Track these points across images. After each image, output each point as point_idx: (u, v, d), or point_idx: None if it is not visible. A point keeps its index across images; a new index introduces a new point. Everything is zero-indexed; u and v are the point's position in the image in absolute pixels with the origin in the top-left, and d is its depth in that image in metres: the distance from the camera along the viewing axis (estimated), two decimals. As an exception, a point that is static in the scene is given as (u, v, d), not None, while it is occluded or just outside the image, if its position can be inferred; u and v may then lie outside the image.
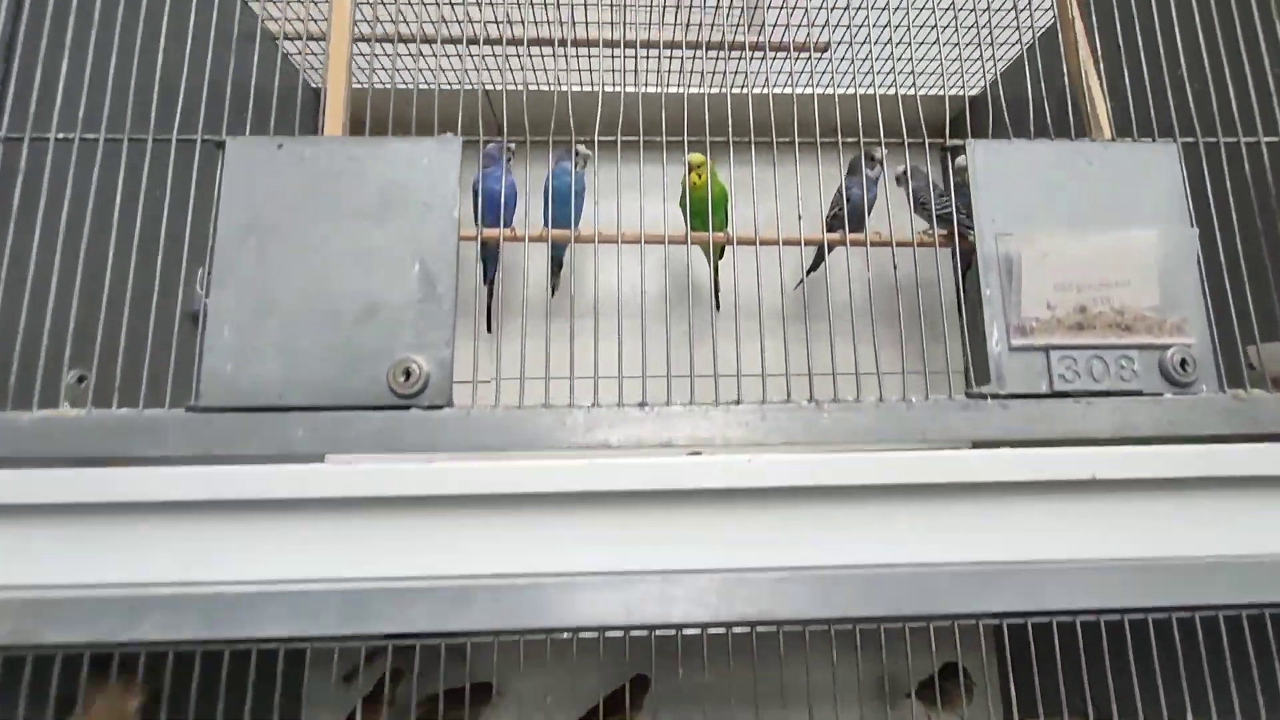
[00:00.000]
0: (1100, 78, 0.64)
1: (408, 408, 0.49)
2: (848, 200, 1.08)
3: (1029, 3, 0.81)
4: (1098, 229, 0.57)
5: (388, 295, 0.50)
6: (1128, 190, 0.59)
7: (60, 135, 0.51)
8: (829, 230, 1.15)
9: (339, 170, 0.50)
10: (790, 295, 1.22)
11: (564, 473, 0.48)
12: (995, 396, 0.53)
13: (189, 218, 0.51)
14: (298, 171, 0.50)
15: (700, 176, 1.06)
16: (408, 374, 0.48)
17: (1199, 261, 0.57)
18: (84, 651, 0.44)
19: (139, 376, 0.50)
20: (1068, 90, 0.66)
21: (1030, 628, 0.51)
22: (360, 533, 0.47)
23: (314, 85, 1.08)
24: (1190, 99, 0.63)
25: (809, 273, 1.25)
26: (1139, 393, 0.54)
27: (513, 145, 0.95)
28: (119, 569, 0.46)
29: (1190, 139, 0.62)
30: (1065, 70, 0.64)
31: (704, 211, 1.06)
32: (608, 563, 0.49)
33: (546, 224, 1.04)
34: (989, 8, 0.70)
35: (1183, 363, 0.54)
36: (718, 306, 1.26)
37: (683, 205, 1.12)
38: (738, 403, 0.52)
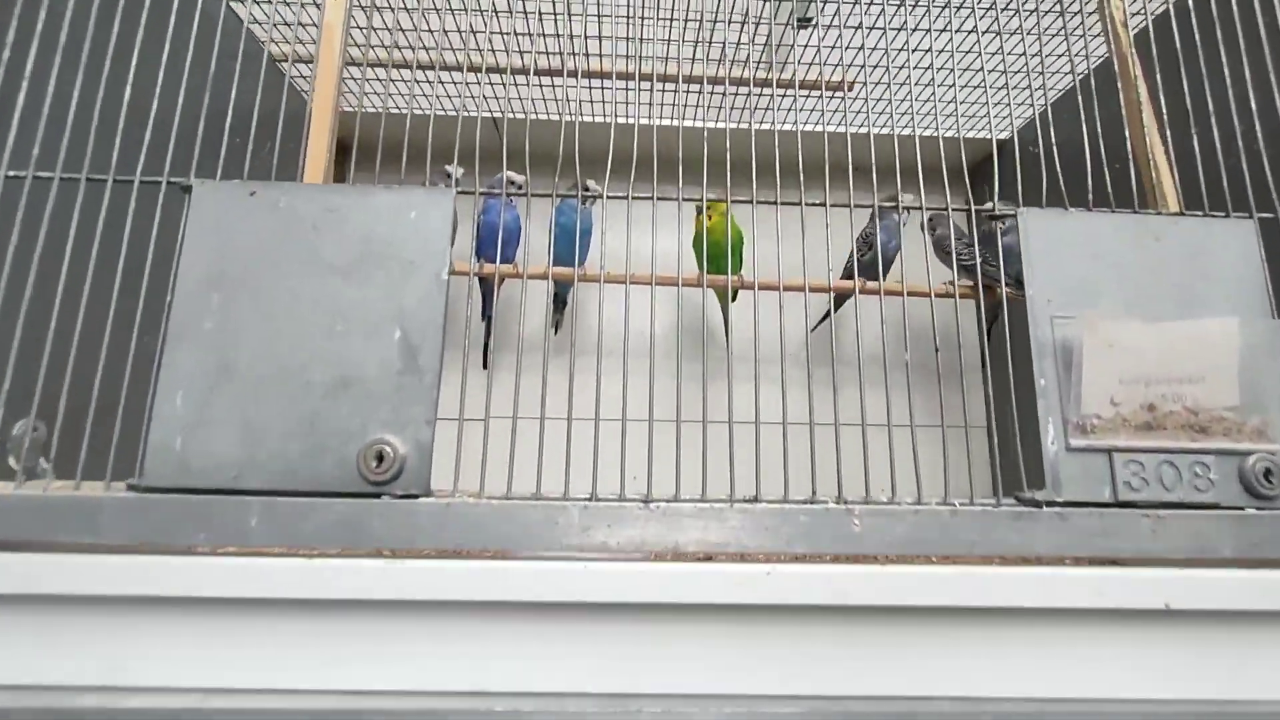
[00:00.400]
0: (1166, 143, 0.59)
1: (378, 495, 0.43)
2: (873, 248, 1.04)
3: (1084, 44, 0.76)
4: (1166, 315, 0.51)
5: (363, 365, 0.44)
6: (1199, 271, 0.53)
7: (10, 174, 0.47)
8: (849, 276, 1.10)
9: (317, 221, 0.46)
10: (810, 341, 1.17)
11: (554, 579, 0.42)
12: (1051, 504, 0.47)
13: (148, 264, 0.46)
14: (271, 221, 0.46)
15: (712, 217, 1.02)
16: (380, 458, 0.43)
17: (1284, 355, 0.51)
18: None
19: (80, 436, 0.45)
20: (1130, 154, 0.61)
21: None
22: (315, 639, 0.42)
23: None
24: (1267, 168, 0.58)
25: (825, 317, 1.20)
26: (1216, 506, 0.48)
27: (519, 179, 0.91)
28: (40, 669, 0.40)
29: (1269, 214, 0.56)
30: (1127, 138, 0.59)
31: (717, 255, 1.02)
32: (601, 683, 0.43)
33: (549, 261, 1.00)
34: (1040, 48, 0.65)
35: (1267, 473, 0.48)
36: (730, 349, 1.21)
37: (696, 247, 1.07)
38: (755, 500, 0.47)
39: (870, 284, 0.91)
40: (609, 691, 0.43)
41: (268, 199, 0.46)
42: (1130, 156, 0.59)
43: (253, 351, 0.44)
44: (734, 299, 1.21)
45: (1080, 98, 0.59)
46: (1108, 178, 0.56)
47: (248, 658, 0.41)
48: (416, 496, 0.44)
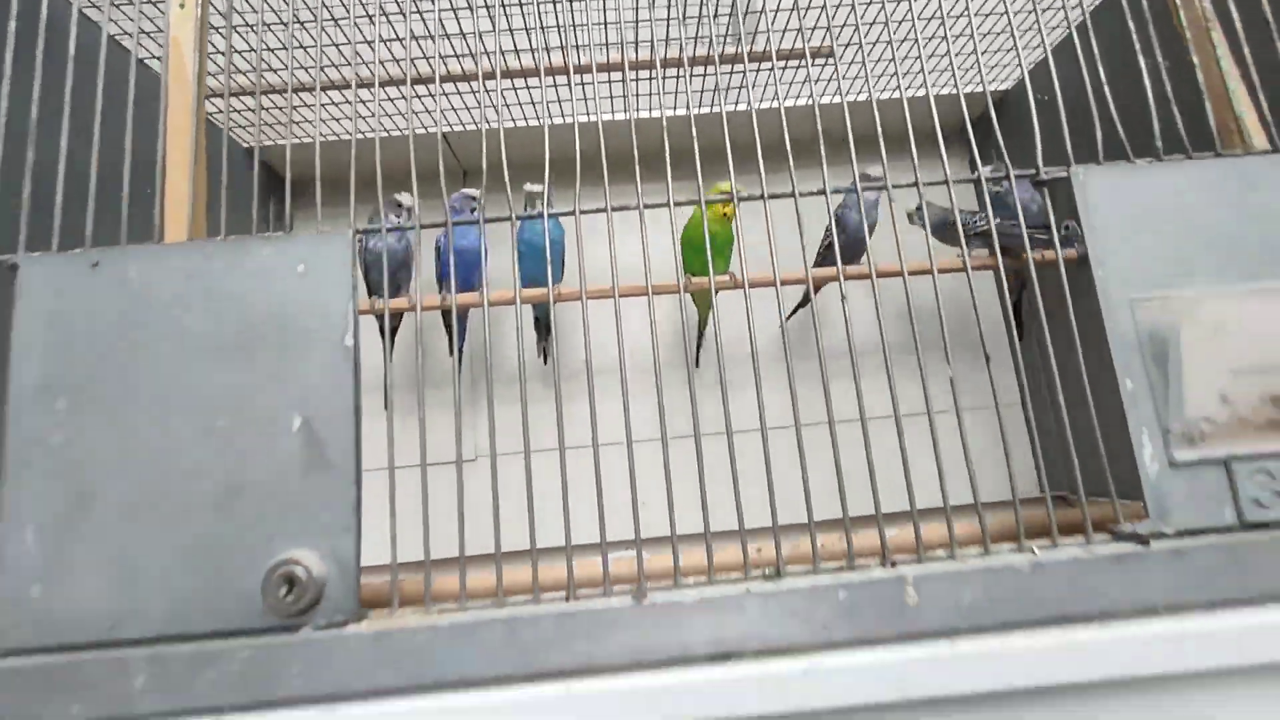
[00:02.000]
0: (1246, 67, 0.52)
1: (295, 628, 0.37)
2: (842, 228, 0.95)
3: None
4: None
5: (257, 466, 0.38)
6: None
7: None
8: (820, 264, 1.01)
9: (180, 293, 0.40)
10: (795, 341, 1.09)
11: (526, 711, 0.36)
12: (1159, 537, 0.41)
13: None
14: (122, 299, 0.40)
15: (729, 207, 0.94)
16: (290, 582, 0.37)
17: None
18: None
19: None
20: (1201, 86, 0.54)
21: None
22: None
23: (245, 145, 0.99)
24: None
25: (792, 314, 1.10)
26: (1374, 516, 0.41)
27: (476, 193, 0.85)
28: None
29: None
30: (1199, 72, 0.52)
31: (725, 247, 0.94)
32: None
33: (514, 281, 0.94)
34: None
35: None
36: (697, 364, 1.12)
37: (689, 242, 1.00)
38: (776, 575, 0.40)
39: (857, 268, 0.83)
40: None
41: (115, 271, 0.40)
42: (1203, 90, 0.52)
43: (116, 466, 0.38)
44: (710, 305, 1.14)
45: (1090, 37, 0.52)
46: (1162, 120, 0.49)
47: None
48: (343, 624, 0.37)
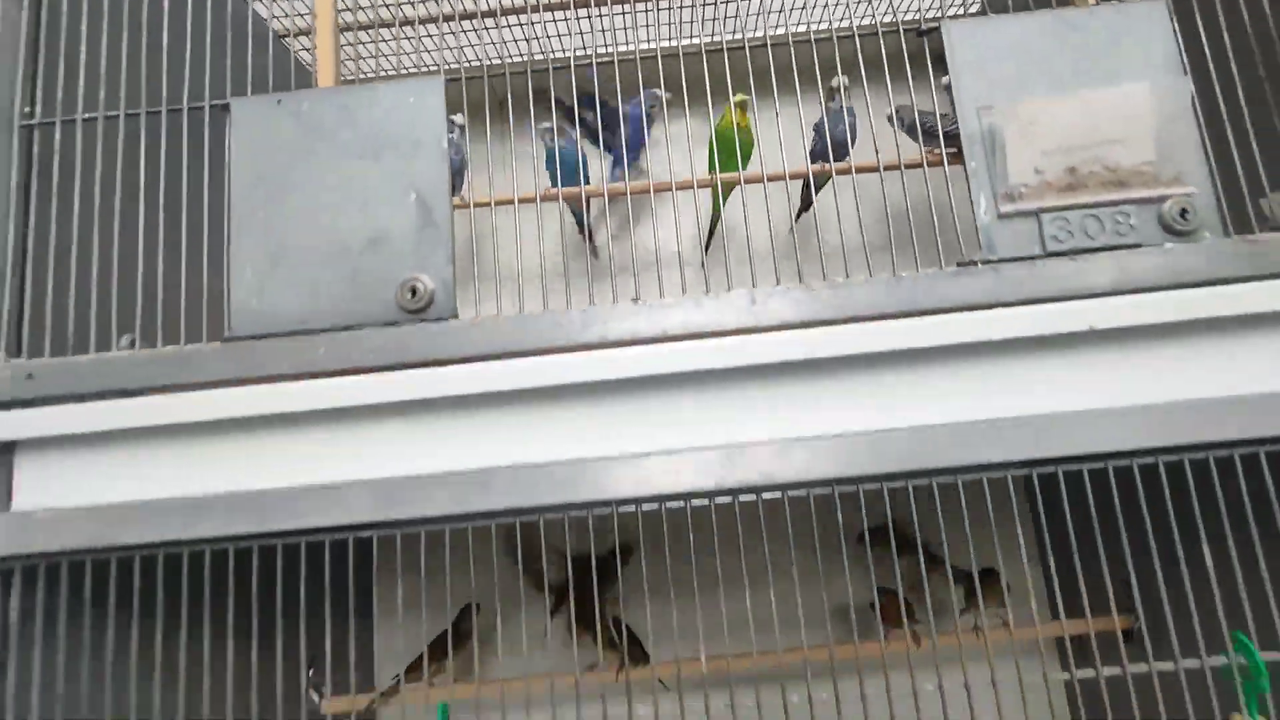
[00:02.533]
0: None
1: (417, 321, 0.60)
2: (821, 135, 1.15)
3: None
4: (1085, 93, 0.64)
5: (389, 225, 0.61)
6: (1117, 55, 0.66)
7: (86, 115, 0.65)
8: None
9: (333, 119, 0.63)
10: (792, 233, 1.31)
11: (561, 367, 0.58)
12: (986, 262, 0.61)
13: (205, 171, 0.64)
14: (296, 124, 0.63)
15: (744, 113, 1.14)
16: (414, 291, 0.59)
17: (1195, 109, 0.63)
18: (158, 551, 0.56)
19: (178, 324, 0.63)
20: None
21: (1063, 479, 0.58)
22: (381, 437, 0.59)
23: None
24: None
25: (799, 215, 1.30)
26: (1137, 246, 0.61)
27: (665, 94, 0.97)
28: (177, 483, 0.58)
29: (1180, -9, 0.68)
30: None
31: (749, 144, 1.14)
32: (614, 447, 0.59)
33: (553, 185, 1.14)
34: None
35: (1183, 212, 0.61)
36: (706, 250, 1.33)
37: (718, 145, 1.20)
38: (728, 290, 0.62)
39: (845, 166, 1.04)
40: (620, 453, 0.58)
41: (291, 106, 0.63)
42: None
43: (299, 228, 0.62)
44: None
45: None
46: None
47: (335, 456, 0.59)
48: (446, 319, 0.60)
